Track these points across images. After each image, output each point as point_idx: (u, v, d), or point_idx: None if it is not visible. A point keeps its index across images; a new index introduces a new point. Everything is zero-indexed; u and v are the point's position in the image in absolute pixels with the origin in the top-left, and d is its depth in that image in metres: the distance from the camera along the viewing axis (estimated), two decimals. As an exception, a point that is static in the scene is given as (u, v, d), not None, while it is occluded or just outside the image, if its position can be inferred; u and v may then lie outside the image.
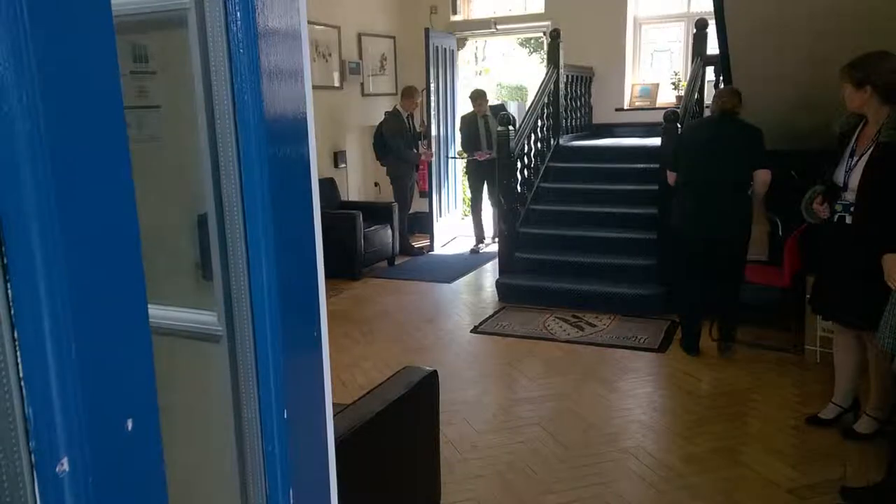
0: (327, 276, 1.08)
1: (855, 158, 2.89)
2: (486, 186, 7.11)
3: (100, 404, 0.53)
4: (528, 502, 2.72)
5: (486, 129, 6.98)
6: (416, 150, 6.94)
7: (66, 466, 0.50)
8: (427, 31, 7.18)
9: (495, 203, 6.67)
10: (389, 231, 6.66)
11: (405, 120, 6.90)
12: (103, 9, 0.53)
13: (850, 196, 2.89)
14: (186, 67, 0.93)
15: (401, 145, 6.76)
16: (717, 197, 3.98)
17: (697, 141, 4.12)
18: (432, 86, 7.16)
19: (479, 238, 7.30)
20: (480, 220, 7.32)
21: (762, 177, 3.90)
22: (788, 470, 2.88)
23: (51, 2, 0.47)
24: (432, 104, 7.26)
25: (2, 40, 0.45)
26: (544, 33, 7.57)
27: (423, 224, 7.68)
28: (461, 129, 7.27)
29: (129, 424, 0.56)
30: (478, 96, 7.07)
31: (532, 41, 13.13)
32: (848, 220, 2.91)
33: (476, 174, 7.12)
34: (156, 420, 0.60)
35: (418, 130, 7.14)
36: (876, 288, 2.64)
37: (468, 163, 7.20)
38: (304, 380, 1.04)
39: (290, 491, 0.95)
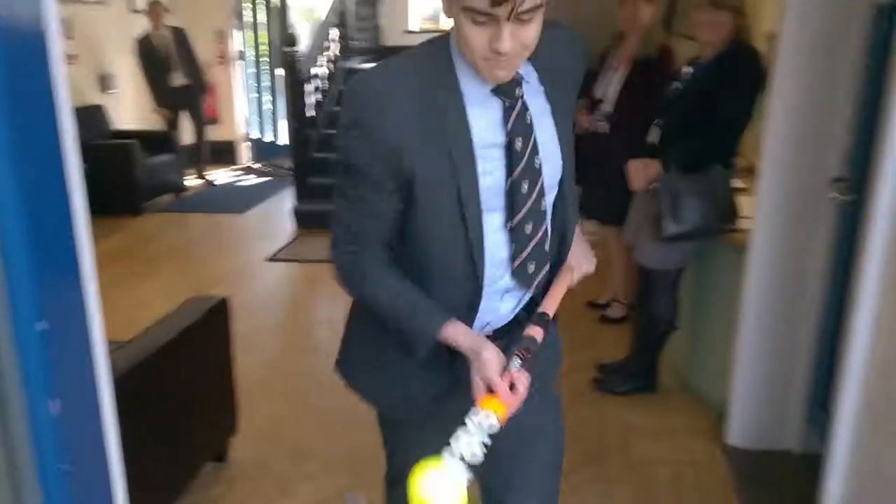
0: (103, 213, 1.05)
1: (612, 73, 3.24)
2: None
3: None
4: (330, 416, 2.83)
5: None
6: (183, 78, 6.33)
7: None
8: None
9: None
10: (175, 161, 6.23)
11: (161, 43, 6.18)
12: None
13: (607, 107, 3.25)
14: None
15: (149, 77, 6.21)
16: None
17: None
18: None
19: None
20: None
21: None
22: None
23: None
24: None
25: None
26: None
27: (222, 154, 7.34)
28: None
29: None
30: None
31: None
32: (605, 129, 3.28)
33: None
34: None
35: (192, 54, 6.38)
36: (625, 190, 2.99)
37: None
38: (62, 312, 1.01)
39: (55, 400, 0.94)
